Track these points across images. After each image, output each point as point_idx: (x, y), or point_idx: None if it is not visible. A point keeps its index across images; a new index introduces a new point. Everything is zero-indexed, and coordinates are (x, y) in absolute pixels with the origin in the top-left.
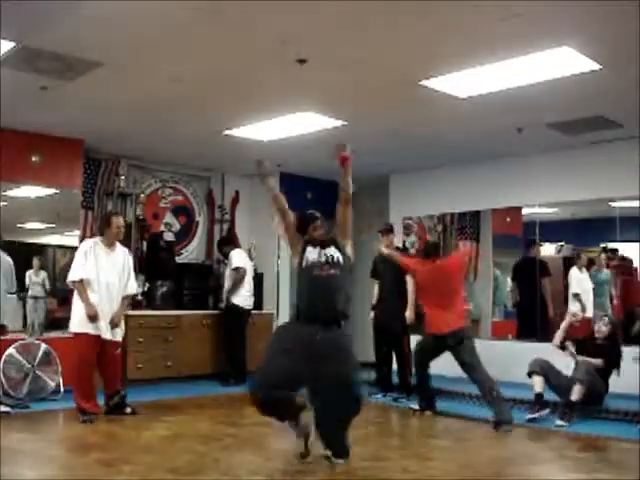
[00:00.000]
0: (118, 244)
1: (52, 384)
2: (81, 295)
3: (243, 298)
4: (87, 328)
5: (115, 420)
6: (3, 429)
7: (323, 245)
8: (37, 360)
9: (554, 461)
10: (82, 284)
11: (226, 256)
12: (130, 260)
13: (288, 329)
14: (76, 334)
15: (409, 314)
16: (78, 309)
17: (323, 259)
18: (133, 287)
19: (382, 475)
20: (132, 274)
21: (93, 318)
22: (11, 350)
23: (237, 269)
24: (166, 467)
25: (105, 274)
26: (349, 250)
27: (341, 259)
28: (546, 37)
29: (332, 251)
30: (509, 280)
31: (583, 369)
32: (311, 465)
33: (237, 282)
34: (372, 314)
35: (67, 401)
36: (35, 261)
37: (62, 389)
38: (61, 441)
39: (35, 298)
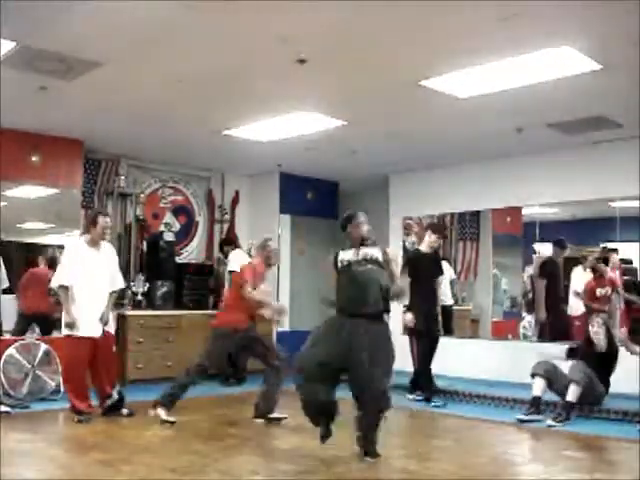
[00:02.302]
0: (103, 241)
1: (52, 384)
2: (63, 301)
3: None
4: (78, 331)
5: (115, 420)
6: (3, 429)
7: (360, 246)
8: (37, 360)
9: (554, 461)
10: (65, 290)
11: (226, 256)
12: (115, 256)
13: (331, 321)
14: (67, 336)
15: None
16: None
17: (360, 257)
18: (120, 282)
19: (382, 475)
20: (118, 270)
21: (71, 326)
22: (11, 350)
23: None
24: (166, 467)
25: (92, 275)
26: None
27: (380, 258)
28: (546, 37)
29: (371, 251)
30: (504, 280)
31: (578, 369)
32: (311, 465)
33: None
34: (409, 316)
35: (67, 401)
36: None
37: (62, 389)
38: (61, 441)
39: None
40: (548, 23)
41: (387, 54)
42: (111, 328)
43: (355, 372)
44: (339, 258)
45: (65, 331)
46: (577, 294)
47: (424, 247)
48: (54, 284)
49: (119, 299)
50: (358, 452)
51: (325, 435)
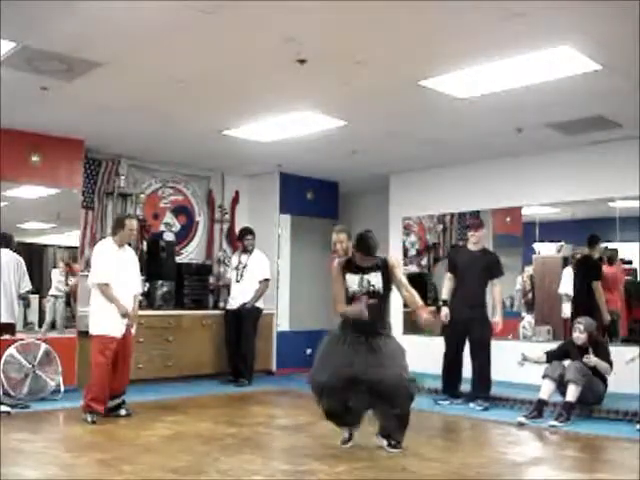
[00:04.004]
0: (126, 245)
1: (52, 384)
2: (109, 297)
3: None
4: (109, 331)
5: (115, 420)
6: (3, 429)
7: (364, 269)
8: (37, 360)
9: (554, 461)
10: (108, 287)
11: (246, 249)
12: (137, 260)
13: (338, 335)
14: (98, 336)
15: (499, 320)
16: (99, 311)
17: (364, 289)
18: (140, 286)
19: (382, 475)
20: (139, 273)
21: (126, 315)
22: (11, 350)
23: (267, 280)
24: (166, 467)
25: (120, 274)
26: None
27: (382, 290)
28: (546, 37)
29: (374, 278)
30: (520, 279)
31: (575, 370)
32: (311, 465)
33: (264, 290)
34: (445, 310)
35: (67, 401)
36: (60, 263)
37: (62, 389)
38: (61, 441)
39: (55, 297)
40: (548, 23)
41: (387, 54)
42: (134, 329)
43: (381, 369)
44: (346, 279)
45: (97, 331)
46: (567, 296)
47: (470, 244)
48: (93, 281)
49: None
50: (383, 445)
51: (347, 440)
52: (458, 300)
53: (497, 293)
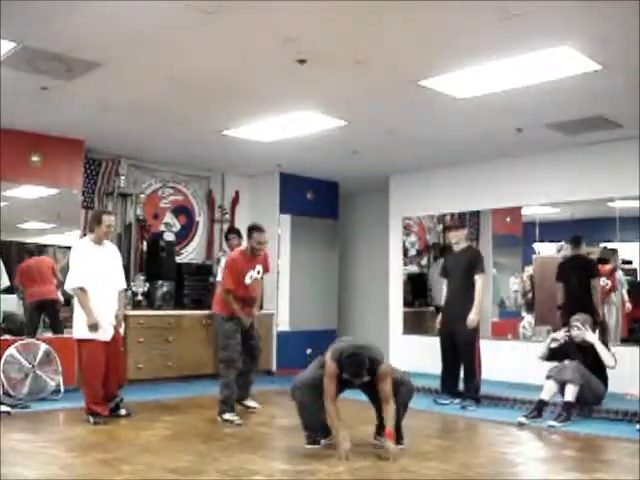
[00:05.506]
0: (106, 240)
1: (52, 384)
2: (82, 303)
3: None
4: (94, 334)
5: (115, 420)
6: (3, 429)
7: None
8: (37, 360)
9: (554, 461)
10: (83, 291)
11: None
12: (119, 256)
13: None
14: (83, 340)
15: (474, 317)
16: (82, 315)
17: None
18: (123, 283)
19: (382, 475)
20: (122, 269)
21: (94, 327)
22: (11, 350)
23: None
24: (166, 467)
25: (100, 273)
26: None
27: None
28: (546, 37)
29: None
30: (513, 279)
31: (572, 369)
32: (311, 465)
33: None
34: (439, 317)
35: (67, 401)
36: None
37: (62, 389)
38: (61, 441)
39: None
40: (548, 23)
41: (387, 54)
42: (122, 328)
43: None
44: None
45: (83, 334)
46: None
47: (454, 246)
48: (70, 286)
49: None
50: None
51: (312, 442)
52: (448, 300)
53: (476, 289)
